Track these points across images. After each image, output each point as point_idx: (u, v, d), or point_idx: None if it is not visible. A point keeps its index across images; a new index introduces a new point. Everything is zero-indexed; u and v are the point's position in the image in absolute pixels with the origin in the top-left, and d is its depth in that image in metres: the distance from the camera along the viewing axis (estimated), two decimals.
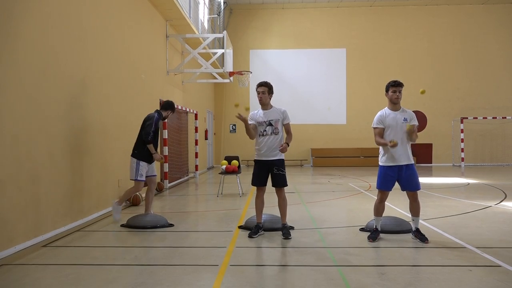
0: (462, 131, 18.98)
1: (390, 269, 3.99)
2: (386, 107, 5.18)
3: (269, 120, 5.35)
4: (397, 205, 7.54)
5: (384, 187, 5.07)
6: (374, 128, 5.15)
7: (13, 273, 3.94)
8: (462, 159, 19.01)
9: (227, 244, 4.94)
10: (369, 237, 5.03)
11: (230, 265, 4.10)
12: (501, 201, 8.05)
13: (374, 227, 5.14)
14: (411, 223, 5.15)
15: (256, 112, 5.51)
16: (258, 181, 5.39)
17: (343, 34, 20.84)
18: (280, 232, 5.36)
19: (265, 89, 5.43)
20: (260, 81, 5.73)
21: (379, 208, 5.13)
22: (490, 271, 3.87)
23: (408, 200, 5.06)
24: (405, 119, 4.98)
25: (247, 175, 14.39)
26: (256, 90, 5.53)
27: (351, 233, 5.53)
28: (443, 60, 20.47)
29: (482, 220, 6.24)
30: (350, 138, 20.62)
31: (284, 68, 20.48)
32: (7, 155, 4.53)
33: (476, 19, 20.47)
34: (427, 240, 4.83)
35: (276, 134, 5.32)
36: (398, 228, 5.41)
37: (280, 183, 5.31)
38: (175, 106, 7.05)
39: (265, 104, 5.45)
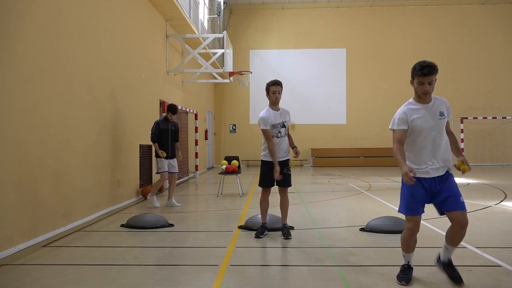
0: (462, 131, 18.97)
1: (390, 269, 3.99)
2: (412, 99, 3.50)
3: (283, 122, 5.24)
4: (396, 205, 7.54)
5: (410, 211, 3.50)
6: (393, 130, 3.47)
7: (13, 273, 3.94)
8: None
9: (227, 244, 4.94)
10: (401, 279, 3.55)
11: (230, 265, 4.10)
12: (501, 201, 8.05)
13: (406, 263, 3.68)
14: (442, 252, 3.60)
15: (268, 115, 5.20)
16: (268, 182, 5.28)
17: (343, 34, 20.84)
18: (280, 232, 5.35)
19: (280, 88, 5.22)
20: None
21: (409, 243, 3.61)
22: (490, 271, 3.87)
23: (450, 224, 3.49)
24: (441, 114, 3.42)
25: (247, 175, 14.42)
26: (270, 89, 5.20)
27: (351, 233, 5.53)
28: (443, 60, 20.43)
29: (482, 220, 6.24)
30: (350, 138, 20.63)
31: (284, 68, 20.48)
32: (7, 155, 4.53)
33: (476, 19, 20.48)
34: (463, 283, 3.42)
35: (286, 136, 5.29)
36: (398, 228, 5.40)
37: (287, 183, 5.25)
38: (176, 108, 7.70)
39: (277, 104, 5.28)
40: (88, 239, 5.34)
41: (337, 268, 3.98)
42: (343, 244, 4.97)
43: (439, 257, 3.64)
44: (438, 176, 3.40)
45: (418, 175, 3.34)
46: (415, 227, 3.52)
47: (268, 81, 5.37)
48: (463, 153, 3.60)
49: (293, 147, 5.28)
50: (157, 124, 7.52)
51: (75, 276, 3.83)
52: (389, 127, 3.50)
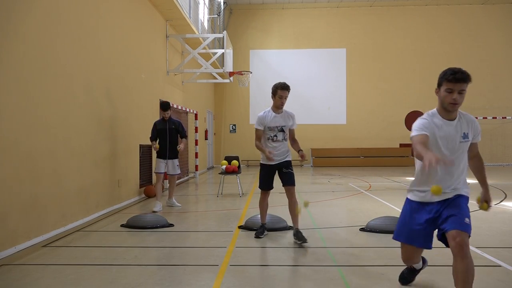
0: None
1: (390, 269, 3.99)
2: (435, 110, 2.97)
3: (282, 126, 5.08)
4: (396, 205, 7.55)
5: (404, 238, 3.05)
6: (414, 135, 2.87)
7: (13, 273, 3.94)
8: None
9: (227, 244, 4.94)
10: (400, 278, 3.49)
11: (230, 265, 4.10)
12: (501, 201, 8.05)
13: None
14: None
15: (265, 115, 5.11)
16: (266, 185, 5.22)
17: (343, 34, 20.84)
18: (280, 232, 5.35)
19: (287, 94, 5.04)
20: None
21: (409, 265, 3.26)
22: (490, 271, 3.87)
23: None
24: (464, 136, 2.92)
25: (247, 175, 14.41)
26: (278, 93, 5.00)
27: (351, 233, 5.53)
28: (443, 60, 20.44)
29: (482, 220, 6.24)
30: (350, 138, 20.63)
31: (284, 68, 20.47)
32: (7, 155, 4.53)
33: (476, 19, 20.48)
34: None
35: (286, 141, 5.15)
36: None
37: (291, 181, 5.07)
38: (165, 104, 7.50)
39: (281, 108, 5.14)
40: (88, 239, 5.34)
41: (337, 268, 3.98)
42: (343, 244, 4.97)
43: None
44: (443, 200, 2.94)
45: (420, 200, 2.98)
46: (408, 259, 3.07)
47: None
48: (488, 185, 3.12)
49: (299, 150, 5.00)
50: (154, 125, 7.56)
51: (75, 276, 3.83)
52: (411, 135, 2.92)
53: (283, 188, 5.19)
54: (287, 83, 5.11)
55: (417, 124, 2.90)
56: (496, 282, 3.57)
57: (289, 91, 5.08)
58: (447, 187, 2.92)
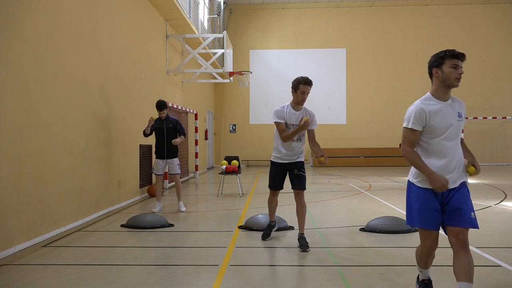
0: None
1: (390, 269, 3.99)
2: (429, 95, 3.01)
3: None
4: (396, 205, 7.55)
5: (429, 224, 2.93)
6: (407, 128, 3.02)
7: (13, 273, 3.94)
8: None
9: (227, 244, 4.94)
10: None
11: (230, 265, 4.10)
12: (501, 201, 8.05)
13: (426, 278, 3.25)
14: None
15: (283, 109, 4.77)
16: (276, 185, 4.96)
17: (343, 34, 20.85)
18: (280, 232, 5.35)
19: (310, 90, 4.70)
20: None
21: (427, 261, 3.15)
22: (490, 271, 3.87)
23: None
24: (459, 115, 2.99)
25: (247, 175, 14.41)
26: (300, 87, 4.65)
27: (351, 233, 5.53)
28: None
29: (482, 220, 6.23)
30: (350, 138, 20.64)
31: (284, 68, 20.48)
32: (7, 155, 4.53)
33: (476, 19, 20.48)
34: None
35: (301, 141, 4.86)
36: (398, 228, 5.41)
37: (301, 185, 4.83)
38: (161, 103, 7.23)
39: (302, 104, 4.80)
40: (88, 239, 5.34)
41: (337, 268, 3.98)
42: (343, 244, 4.97)
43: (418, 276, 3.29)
44: (452, 188, 2.91)
45: (430, 186, 2.90)
46: (433, 245, 2.95)
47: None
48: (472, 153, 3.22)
49: (321, 155, 4.73)
50: (153, 121, 7.36)
51: (75, 276, 3.83)
52: (404, 125, 3.04)
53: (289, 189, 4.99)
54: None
55: (412, 113, 2.95)
56: (496, 282, 3.57)
57: (311, 87, 4.71)
58: (456, 167, 2.97)
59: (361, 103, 20.67)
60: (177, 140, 7.17)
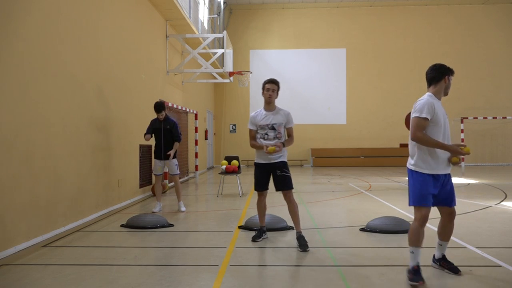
0: (462, 131, 18.98)
1: (390, 269, 3.99)
2: (432, 94, 3.75)
3: (272, 124, 4.91)
4: (396, 205, 7.55)
5: (426, 202, 3.59)
6: (421, 118, 3.58)
7: (13, 273, 3.94)
8: (462, 159, 18.98)
9: (227, 244, 4.94)
10: (418, 279, 3.51)
11: (230, 265, 4.10)
12: (501, 201, 8.05)
13: (416, 264, 3.58)
14: (436, 251, 3.96)
15: (256, 115, 5.04)
16: (259, 186, 5.05)
17: (343, 34, 20.85)
18: (280, 232, 5.34)
19: (275, 87, 4.99)
20: (260, 80, 5.53)
21: (419, 235, 3.61)
22: (490, 271, 3.87)
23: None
24: (445, 113, 3.81)
25: (247, 175, 14.41)
26: (264, 86, 5.01)
27: (351, 233, 5.53)
28: (443, 60, 20.31)
29: (482, 220, 6.24)
30: (350, 138, 20.64)
31: (284, 68, 20.49)
32: (7, 155, 4.53)
33: (476, 19, 20.48)
34: (460, 271, 3.76)
35: (279, 139, 4.93)
36: (398, 228, 5.41)
37: (284, 185, 4.89)
38: (159, 105, 7.23)
39: (271, 103, 4.99)
40: (88, 239, 5.34)
41: (337, 268, 3.98)
42: (343, 244, 4.97)
43: (434, 256, 3.98)
44: (446, 174, 3.69)
45: (432, 172, 3.60)
46: (424, 219, 3.60)
47: None
48: None
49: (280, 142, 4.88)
50: (151, 122, 7.36)
51: (75, 276, 3.83)
52: (414, 115, 3.61)
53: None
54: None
55: (425, 106, 3.60)
56: (496, 282, 3.57)
57: (277, 85, 5.04)
58: (445, 160, 3.67)
59: (361, 103, 20.67)
60: (171, 153, 7.18)
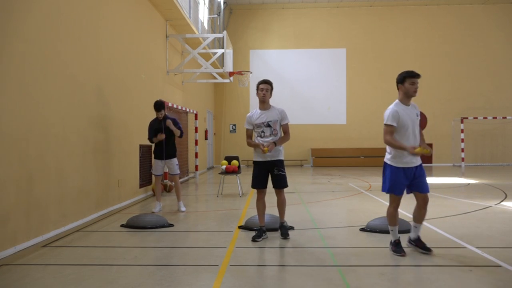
0: (462, 131, 18.98)
1: (390, 269, 3.99)
2: (398, 102, 4.40)
3: (268, 121, 5.20)
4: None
5: (397, 192, 4.40)
6: (387, 125, 4.34)
7: (13, 273, 3.94)
8: (462, 159, 19.00)
9: (227, 244, 4.94)
10: (399, 251, 4.35)
11: (230, 265, 4.10)
12: (501, 201, 8.04)
13: (397, 239, 4.45)
14: (412, 232, 4.57)
15: (252, 114, 5.34)
16: (258, 184, 5.26)
17: (343, 34, 20.84)
18: (279, 232, 5.34)
19: (268, 87, 5.30)
20: (257, 80, 5.68)
21: (394, 216, 4.50)
22: (490, 271, 3.87)
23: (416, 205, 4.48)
24: (417, 115, 4.41)
25: (247, 175, 14.39)
26: (258, 87, 5.35)
27: (351, 233, 5.53)
28: (443, 60, 20.48)
29: (482, 220, 6.24)
30: (350, 138, 20.64)
31: (284, 68, 20.48)
32: (7, 155, 4.53)
33: (476, 19, 20.48)
34: (432, 251, 4.36)
35: (275, 136, 5.19)
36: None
37: (281, 184, 5.21)
38: (159, 104, 7.21)
39: (265, 103, 5.29)
40: (88, 239, 5.34)
41: (337, 268, 3.98)
42: (343, 244, 4.97)
43: (410, 238, 4.57)
44: (416, 166, 4.36)
45: (402, 165, 4.33)
46: (396, 204, 4.45)
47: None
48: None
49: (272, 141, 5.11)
50: (149, 125, 7.34)
51: (75, 276, 3.83)
52: (384, 122, 4.34)
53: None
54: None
55: (390, 115, 4.31)
56: (496, 282, 3.57)
57: (270, 85, 5.33)
58: (414, 156, 4.31)
59: (361, 103, 20.66)
60: (171, 125, 7.11)
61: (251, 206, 7.71)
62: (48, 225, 5.33)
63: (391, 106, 4.35)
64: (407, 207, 5.68)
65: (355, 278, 3.70)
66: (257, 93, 5.35)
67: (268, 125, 5.19)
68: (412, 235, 4.54)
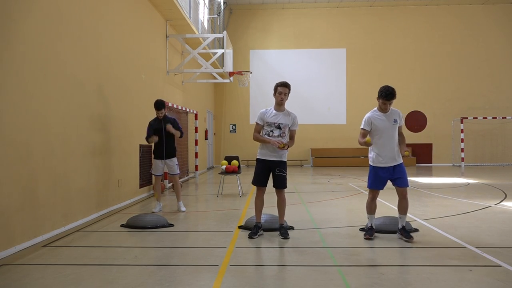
0: (462, 131, 18.98)
1: (390, 269, 3.99)
2: (375, 109, 5.19)
3: (279, 123, 5.25)
4: (396, 205, 7.54)
5: (377, 186, 5.24)
6: (361, 129, 5.15)
7: (13, 273, 3.94)
8: (462, 159, 19.01)
9: (227, 244, 4.94)
10: (369, 234, 5.15)
11: (230, 265, 4.10)
12: (501, 201, 8.05)
13: (370, 225, 5.28)
14: (399, 222, 5.17)
15: (266, 111, 5.36)
16: (259, 181, 5.35)
17: (343, 34, 20.85)
18: (278, 232, 5.34)
19: (287, 90, 5.30)
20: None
21: (371, 206, 5.34)
22: (490, 271, 3.87)
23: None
24: (395, 121, 5.05)
25: (247, 175, 14.40)
26: (277, 89, 5.31)
27: (351, 233, 5.53)
28: (443, 60, 20.49)
29: (482, 220, 6.24)
30: (350, 138, 20.62)
31: (284, 68, 20.48)
32: (7, 155, 4.53)
33: (476, 19, 20.48)
34: (412, 238, 4.93)
35: (282, 138, 5.25)
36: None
37: (281, 184, 5.30)
38: (159, 103, 7.19)
39: (282, 105, 5.33)
40: (88, 239, 5.34)
41: (337, 268, 3.98)
42: (343, 244, 4.97)
43: (398, 227, 5.16)
44: (393, 165, 5.07)
45: (381, 165, 5.10)
46: (374, 197, 5.29)
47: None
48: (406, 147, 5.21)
49: (284, 144, 5.20)
50: (149, 124, 7.26)
51: (75, 276, 3.83)
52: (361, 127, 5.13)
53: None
54: (288, 82, 5.32)
55: (365, 119, 5.12)
56: (496, 282, 3.57)
57: (289, 89, 5.34)
58: (391, 157, 5.08)
59: (361, 103, 20.61)
60: (171, 129, 7.10)
61: (251, 206, 7.70)
62: (48, 225, 5.33)
63: (368, 113, 5.16)
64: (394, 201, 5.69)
65: (355, 278, 3.70)
66: (274, 95, 5.33)
67: (279, 127, 5.26)
68: (399, 225, 5.12)
